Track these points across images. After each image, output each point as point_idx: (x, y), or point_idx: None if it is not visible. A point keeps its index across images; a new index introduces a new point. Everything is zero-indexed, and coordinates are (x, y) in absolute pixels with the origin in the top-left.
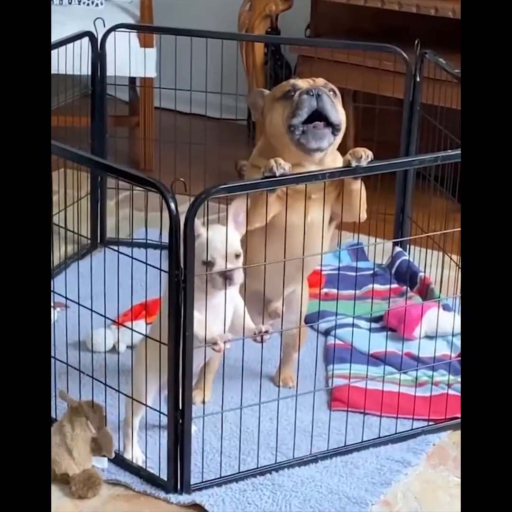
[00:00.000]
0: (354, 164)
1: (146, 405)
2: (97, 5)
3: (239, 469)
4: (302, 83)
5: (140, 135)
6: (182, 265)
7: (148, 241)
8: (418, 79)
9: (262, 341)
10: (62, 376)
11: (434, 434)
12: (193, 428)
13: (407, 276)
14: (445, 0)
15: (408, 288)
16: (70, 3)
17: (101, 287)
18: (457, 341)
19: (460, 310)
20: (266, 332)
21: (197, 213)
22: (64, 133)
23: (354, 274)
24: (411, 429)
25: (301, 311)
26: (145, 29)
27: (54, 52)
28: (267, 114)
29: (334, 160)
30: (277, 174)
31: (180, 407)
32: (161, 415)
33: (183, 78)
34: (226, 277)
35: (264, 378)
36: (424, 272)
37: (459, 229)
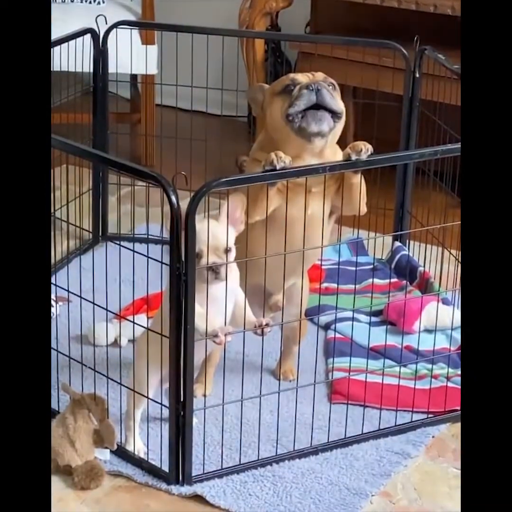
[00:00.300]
0: (354, 157)
1: (148, 398)
2: (99, 3)
3: (240, 461)
4: (302, 78)
5: (142, 131)
6: (183, 259)
7: (149, 236)
8: (417, 75)
9: (262, 334)
10: (65, 369)
11: (434, 427)
12: (194, 420)
13: (406, 271)
14: None
15: (408, 282)
16: (72, 1)
17: (103, 282)
18: (456, 335)
19: (459, 304)
20: (267, 325)
21: (198, 207)
22: (66, 130)
23: (354, 268)
24: (411, 422)
25: (301, 305)
26: (147, 26)
27: (56, 49)
28: (266, 108)
29: (334, 154)
30: (278, 168)
31: (182, 400)
32: (163, 407)
33: (184, 75)
34: (212, 270)
35: (264, 371)
36: (424, 266)
37: (459, 223)
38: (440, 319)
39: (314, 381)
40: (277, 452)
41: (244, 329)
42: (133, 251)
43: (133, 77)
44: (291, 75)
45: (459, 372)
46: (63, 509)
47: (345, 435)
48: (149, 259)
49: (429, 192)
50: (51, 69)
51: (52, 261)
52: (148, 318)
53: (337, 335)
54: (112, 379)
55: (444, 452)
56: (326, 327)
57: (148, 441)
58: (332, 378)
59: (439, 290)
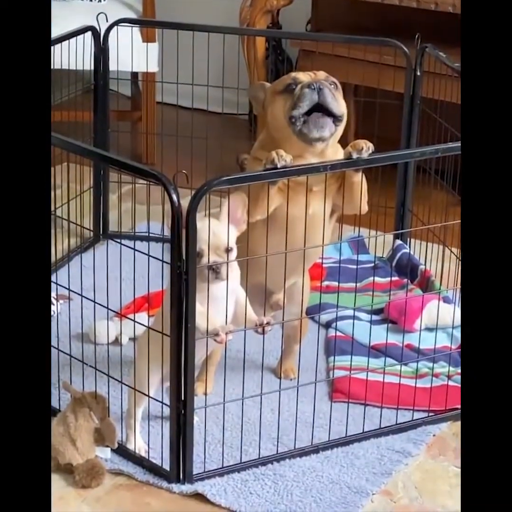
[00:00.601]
0: (355, 156)
1: (148, 396)
2: (99, 0)
3: (241, 460)
4: (303, 77)
5: (142, 129)
6: (184, 257)
7: (150, 234)
8: (418, 73)
9: (263, 333)
10: (66, 368)
11: (434, 425)
12: (195, 419)
13: (407, 269)
14: None
15: (409, 281)
16: None
17: (103, 280)
18: (457, 333)
19: (460, 302)
20: (268, 324)
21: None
22: (67, 127)
23: (354, 267)
24: (412, 420)
25: (302, 303)
26: (148, 24)
27: (57, 47)
28: (268, 107)
29: (335, 153)
30: (279, 166)
31: (183, 398)
32: (164, 405)
33: (185, 73)
34: (213, 270)
35: (265, 370)
36: (425, 264)
37: (459, 222)
38: (441, 318)
39: (315, 380)
40: (278, 450)
41: (245, 327)
42: (134, 249)
43: (134, 75)
44: (293, 74)
45: (460, 371)
46: (64, 507)
47: (346, 433)
48: (150, 258)
49: (430, 190)
50: (52, 67)
51: (53, 259)
52: (149, 316)
53: (338, 334)
54: (113, 378)
55: (445, 451)
56: (327, 325)
57: (149, 439)
58: (333, 376)
59: (440, 289)
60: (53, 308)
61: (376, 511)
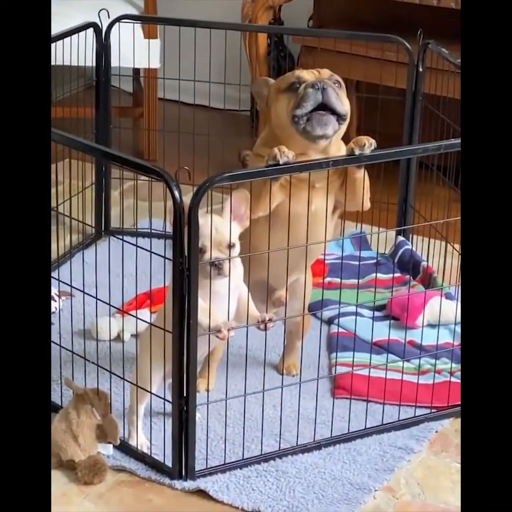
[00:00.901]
0: (357, 152)
1: (151, 393)
2: None
3: (243, 456)
4: (307, 75)
5: (144, 126)
6: (186, 253)
7: (152, 231)
8: (420, 69)
9: (265, 329)
10: (68, 364)
11: (437, 421)
12: (198, 415)
13: (410, 265)
14: None
15: (411, 277)
16: None
17: (105, 276)
18: (460, 330)
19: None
20: (270, 320)
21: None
22: (68, 124)
23: (357, 263)
24: (414, 417)
25: (304, 299)
26: (149, 20)
27: (59, 44)
28: (271, 104)
29: (338, 150)
30: (281, 162)
31: (185, 395)
32: (166, 402)
33: (186, 69)
34: (215, 266)
35: (267, 366)
36: (427, 261)
37: None
38: (443, 314)
39: (317, 376)
40: (280, 447)
41: (247, 324)
42: (136, 245)
43: (136, 71)
44: (297, 72)
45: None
46: (66, 504)
47: (348, 430)
48: (152, 254)
49: (432, 187)
50: (54, 63)
51: (55, 256)
52: (151, 313)
53: (340, 330)
54: (115, 374)
55: (447, 447)
56: (329, 322)
57: (151, 436)
58: (335, 373)
59: (442, 285)
60: (55, 304)
61: (378, 507)
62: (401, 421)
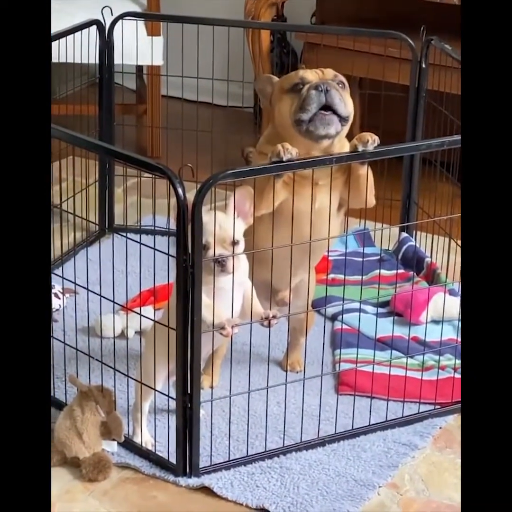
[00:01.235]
0: (360, 148)
1: (155, 390)
2: None
3: (247, 453)
4: (311, 76)
5: (148, 123)
6: (190, 251)
7: (155, 228)
8: (423, 65)
9: (269, 326)
10: (72, 361)
11: (441, 418)
12: (202, 412)
13: (413, 261)
14: None
15: (415, 273)
16: None
17: (109, 273)
18: None
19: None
20: (274, 317)
21: (204, 199)
22: (72, 121)
23: (360, 259)
24: (418, 413)
25: (308, 296)
26: (152, 17)
27: (62, 41)
28: (275, 104)
29: (341, 148)
30: (284, 159)
31: (189, 392)
32: (170, 399)
33: (190, 66)
34: (219, 263)
35: (271, 363)
36: (431, 257)
37: None
38: (447, 310)
39: (321, 373)
40: (284, 443)
41: (251, 321)
42: (140, 243)
43: (139, 68)
44: (301, 72)
45: (460, 369)
46: (70, 501)
47: (352, 426)
48: (156, 251)
49: (436, 183)
50: (57, 61)
51: (59, 253)
52: (155, 309)
53: (344, 327)
54: (119, 371)
55: (452, 443)
56: (333, 318)
57: (156, 433)
58: (339, 369)
59: (446, 281)
60: (59, 302)
61: (382, 504)
62: (405, 417)
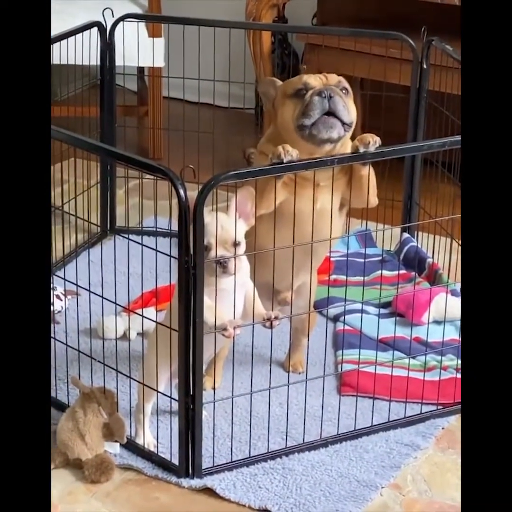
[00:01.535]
0: (362, 150)
1: (157, 391)
2: None
3: (249, 454)
4: (315, 81)
5: (149, 124)
6: (191, 252)
7: (157, 229)
8: (425, 66)
9: (271, 327)
10: (74, 363)
11: (443, 418)
12: (204, 413)
13: (415, 262)
14: None
15: (417, 274)
16: None
17: (111, 275)
18: None
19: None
20: (276, 318)
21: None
22: (73, 123)
23: (362, 260)
24: (420, 413)
25: (310, 298)
26: (153, 19)
27: (63, 43)
28: (278, 107)
29: (344, 150)
30: (285, 161)
31: (191, 393)
32: (172, 400)
33: (191, 68)
34: (220, 264)
35: (273, 364)
36: (432, 257)
37: None
38: (449, 311)
39: (324, 374)
40: (286, 444)
41: (253, 321)
42: (142, 244)
43: (140, 70)
44: (304, 77)
45: (460, 370)
46: (73, 502)
47: (354, 427)
48: (158, 252)
49: (437, 183)
50: (59, 62)
51: (61, 255)
52: (157, 311)
53: (346, 327)
54: (121, 373)
55: (454, 444)
56: (335, 319)
57: (158, 434)
58: (341, 370)
59: (447, 282)
60: (61, 303)
61: (385, 504)
62: (407, 418)
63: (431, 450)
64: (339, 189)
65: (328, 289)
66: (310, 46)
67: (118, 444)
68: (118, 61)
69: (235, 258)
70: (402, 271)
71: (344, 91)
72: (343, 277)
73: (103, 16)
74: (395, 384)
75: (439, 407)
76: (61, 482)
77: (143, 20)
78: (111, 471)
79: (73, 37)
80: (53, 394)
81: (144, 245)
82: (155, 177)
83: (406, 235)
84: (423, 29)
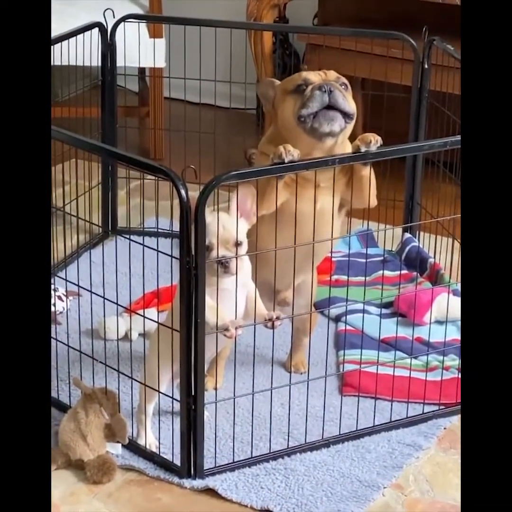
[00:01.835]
0: (363, 149)
1: (159, 392)
2: None
3: (251, 454)
4: (314, 77)
5: (150, 125)
6: (193, 252)
7: (158, 230)
8: (426, 66)
9: (273, 327)
10: (76, 364)
11: (445, 418)
12: (206, 414)
13: (417, 262)
14: None
15: (418, 274)
16: None
17: (113, 276)
18: None
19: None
20: (277, 318)
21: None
22: (74, 123)
23: (364, 260)
24: (422, 413)
25: (311, 297)
26: (154, 20)
27: (64, 44)
28: (278, 106)
29: (344, 150)
30: (286, 161)
31: (193, 393)
32: (174, 401)
33: (192, 68)
34: (222, 264)
35: (275, 364)
36: (434, 257)
37: None
38: (450, 311)
39: (325, 374)
40: (288, 445)
41: (255, 322)
42: (143, 245)
43: (141, 70)
44: (303, 73)
45: (460, 371)
46: (75, 503)
47: (356, 427)
48: (159, 253)
49: (438, 183)
50: (60, 63)
51: (62, 255)
52: (158, 312)
53: (348, 327)
54: (123, 373)
55: (456, 444)
56: (337, 319)
57: (160, 435)
58: (343, 370)
59: (449, 282)
60: (62, 304)
61: (387, 504)
62: (409, 418)
63: (433, 450)
64: (339, 189)
65: (330, 289)
66: (311, 46)
67: (120, 445)
68: (119, 62)
69: (236, 258)
70: (404, 271)
71: (343, 86)
72: (345, 277)
73: (104, 16)
74: (397, 384)
75: (441, 407)
76: (63, 483)
77: (144, 21)
78: (113, 472)
79: (74, 38)
80: (54, 395)
81: (146, 246)
82: (156, 178)
83: (407, 235)
84: (424, 29)
